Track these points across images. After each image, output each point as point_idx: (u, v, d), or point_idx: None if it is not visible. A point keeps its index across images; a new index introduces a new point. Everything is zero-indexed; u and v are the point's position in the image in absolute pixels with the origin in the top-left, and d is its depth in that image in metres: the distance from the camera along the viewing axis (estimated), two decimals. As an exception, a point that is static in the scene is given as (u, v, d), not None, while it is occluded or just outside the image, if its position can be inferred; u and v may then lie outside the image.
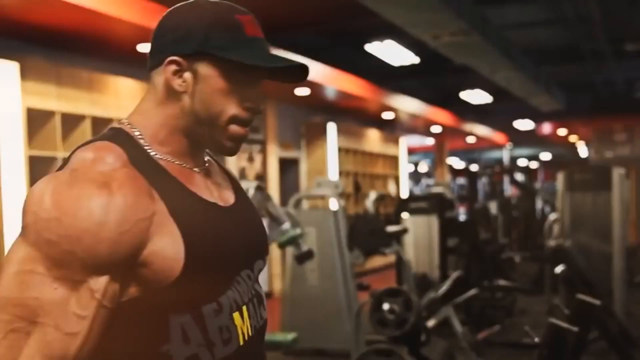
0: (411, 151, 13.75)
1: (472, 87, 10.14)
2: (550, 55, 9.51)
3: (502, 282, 5.92)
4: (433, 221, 5.99)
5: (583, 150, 16.60)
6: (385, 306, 3.44)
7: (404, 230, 5.41)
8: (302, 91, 7.33)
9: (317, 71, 6.79)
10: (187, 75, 1.04)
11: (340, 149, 8.62)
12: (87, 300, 0.93)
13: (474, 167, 15.63)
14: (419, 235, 5.98)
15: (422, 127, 11.31)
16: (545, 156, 20.66)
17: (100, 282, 0.93)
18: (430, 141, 13.45)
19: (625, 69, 9.98)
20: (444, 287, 4.18)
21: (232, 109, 1.06)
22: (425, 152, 16.15)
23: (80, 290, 0.93)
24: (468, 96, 10.58)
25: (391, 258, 6.86)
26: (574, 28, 7.91)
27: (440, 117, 10.67)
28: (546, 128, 14.11)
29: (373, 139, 9.81)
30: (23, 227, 0.95)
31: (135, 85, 5.12)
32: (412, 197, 6.70)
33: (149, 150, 1.05)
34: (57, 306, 0.92)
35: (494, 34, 7.13)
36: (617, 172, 5.66)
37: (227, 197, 1.14)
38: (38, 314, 0.91)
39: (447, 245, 5.88)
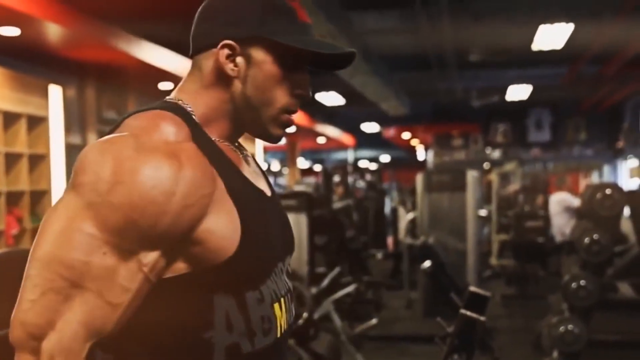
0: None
1: (327, 89, 10.39)
2: (400, 62, 9.99)
3: (366, 278, 6.15)
4: (302, 219, 6.09)
5: (421, 154, 17.63)
6: (279, 302, 3.48)
7: (277, 228, 5.45)
8: (165, 85, 7.14)
9: (180, 63, 6.64)
10: (240, 59, 1.01)
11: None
12: (135, 272, 0.90)
13: (318, 168, 16.03)
14: (288, 233, 6.05)
15: (277, 126, 11.41)
16: (385, 158, 21.67)
17: (150, 256, 0.91)
18: (282, 141, 13.61)
19: (465, 78, 10.73)
20: (325, 283, 4.29)
21: (285, 97, 1.04)
22: (273, 151, 16.32)
23: (129, 261, 0.89)
24: (323, 98, 10.84)
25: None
26: (425, 38, 8.39)
27: (296, 117, 10.82)
28: (391, 131, 14.82)
29: (231, 136, 9.76)
30: (77, 184, 0.90)
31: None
32: (281, 195, 6.76)
33: (204, 129, 1.02)
34: (104, 274, 0.88)
35: (356, 38, 7.38)
36: (471, 174, 6.11)
37: (266, 187, 1.12)
38: (83, 278, 0.88)
39: (316, 243, 6.00)
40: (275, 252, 1.06)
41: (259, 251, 0.99)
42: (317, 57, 1.04)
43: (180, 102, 1.04)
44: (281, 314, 1.05)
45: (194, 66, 1.06)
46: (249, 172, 1.08)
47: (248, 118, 1.05)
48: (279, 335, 1.04)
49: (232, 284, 0.96)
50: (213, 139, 1.03)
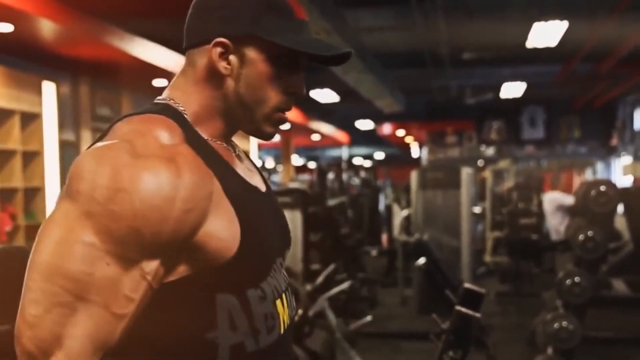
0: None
1: (322, 86, 10.39)
2: (395, 60, 9.99)
3: (360, 275, 6.15)
4: (296, 216, 6.09)
5: (415, 151, 17.65)
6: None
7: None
8: (159, 82, 7.12)
9: (173, 60, 6.63)
10: (233, 58, 1.00)
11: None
12: (138, 281, 0.88)
13: (312, 165, 16.03)
14: (282, 230, 6.05)
15: (271, 123, 11.40)
16: (379, 155, 21.69)
17: (153, 264, 0.89)
18: (276, 137, 13.59)
19: (459, 76, 10.73)
20: (320, 280, 4.29)
21: (278, 95, 1.03)
22: (268, 148, 16.32)
23: (131, 270, 0.88)
24: (317, 95, 10.84)
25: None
26: (420, 35, 8.40)
27: (290, 114, 10.81)
28: (386, 129, 14.82)
29: (225, 133, 9.74)
30: (74, 193, 0.88)
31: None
32: (276, 192, 6.77)
33: (196, 129, 1.01)
34: (108, 285, 0.86)
35: (351, 36, 7.37)
36: (466, 172, 6.12)
37: (260, 184, 1.11)
38: (88, 291, 0.86)
39: (310, 239, 6.00)
40: (273, 249, 1.05)
41: (258, 250, 0.99)
42: (312, 54, 1.03)
43: (171, 101, 1.03)
44: (284, 310, 1.04)
45: (187, 61, 1.05)
46: (243, 169, 1.07)
47: (241, 116, 1.03)
48: (282, 331, 1.03)
49: (233, 284, 0.96)
50: (206, 138, 1.02)
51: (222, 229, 0.93)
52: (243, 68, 1.00)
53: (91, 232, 0.86)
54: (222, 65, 1.00)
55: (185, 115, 1.01)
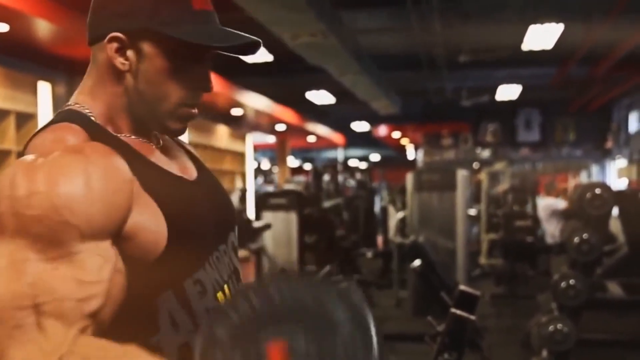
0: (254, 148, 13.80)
1: (318, 87, 10.39)
2: (391, 62, 10.00)
3: (355, 277, 6.15)
4: (292, 217, 6.09)
5: (411, 153, 17.66)
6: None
7: (268, 226, 5.45)
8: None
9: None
10: (130, 53, 0.97)
11: (189, 144, 8.46)
12: (99, 265, 0.85)
13: (308, 166, 16.04)
14: (277, 231, 6.05)
15: (267, 124, 11.41)
16: (375, 157, 21.71)
17: (103, 244, 0.87)
18: (272, 139, 13.60)
19: (455, 78, 10.75)
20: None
21: (180, 90, 1.00)
22: (263, 150, 16.32)
23: (84, 260, 0.84)
24: (313, 96, 10.84)
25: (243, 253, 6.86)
26: (416, 37, 8.40)
27: (286, 115, 10.84)
28: (382, 130, 14.84)
29: (221, 135, 9.75)
30: None
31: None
32: (271, 194, 6.77)
33: (106, 127, 1.00)
34: (61, 282, 0.82)
35: (347, 37, 7.38)
36: (461, 174, 6.12)
37: (190, 171, 1.09)
38: (39, 295, 0.80)
39: (306, 241, 6.01)
40: (207, 237, 1.03)
41: (188, 241, 0.97)
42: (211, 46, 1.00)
43: (76, 105, 1.01)
44: None
45: (91, 59, 1.02)
46: (164, 161, 1.04)
47: (144, 112, 1.01)
48: None
49: (168, 278, 0.94)
50: (118, 134, 1.00)
51: (149, 221, 0.92)
52: (141, 63, 0.98)
53: (26, 249, 0.82)
54: (118, 61, 0.98)
55: (91, 117, 0.99)
